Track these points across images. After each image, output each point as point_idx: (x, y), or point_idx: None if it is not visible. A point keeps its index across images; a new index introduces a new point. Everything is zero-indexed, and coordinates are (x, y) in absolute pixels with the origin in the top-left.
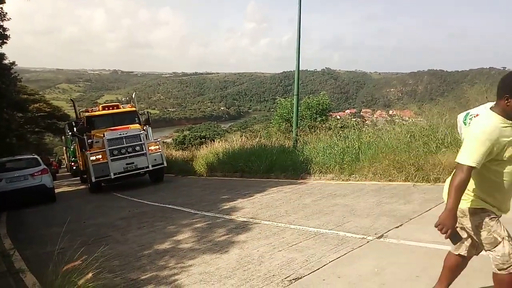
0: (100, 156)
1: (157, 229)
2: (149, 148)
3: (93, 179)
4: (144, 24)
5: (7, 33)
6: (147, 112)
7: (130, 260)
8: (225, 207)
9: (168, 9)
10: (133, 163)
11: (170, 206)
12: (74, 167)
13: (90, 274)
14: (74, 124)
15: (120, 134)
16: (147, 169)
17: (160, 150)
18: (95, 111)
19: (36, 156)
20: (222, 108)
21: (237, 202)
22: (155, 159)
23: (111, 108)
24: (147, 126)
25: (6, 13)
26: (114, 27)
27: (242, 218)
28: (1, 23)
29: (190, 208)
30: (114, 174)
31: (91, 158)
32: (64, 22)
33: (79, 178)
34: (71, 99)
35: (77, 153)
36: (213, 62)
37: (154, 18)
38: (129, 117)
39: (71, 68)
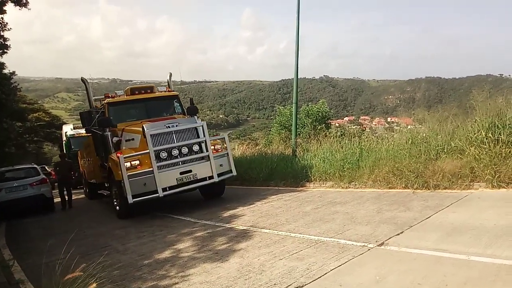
0: (137, 162)
1: (157, 238)
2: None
3: (130, 199)
4: (142, 32)
5: (8, 43)
6: (191, 98)
7: (130, 270)
8: (225, 215)
9: (165, 18)
10: (190, 171)
11: (169, 215)
12: (74, 177)
13: (94, 284)
14: (89, 115)
15: (168, 127)
16: (211, 180)
17: (227, 151)
18: (120, 96)
19: (35, 166)
20: (221, 116)
21: (237, 210)
22: (221, 165)
23: (143, 91)
24: (196, 117)
25: (7, 23)
26: (112, 36)
27: (243, 227)
28: (2, 33)
29: (190, 216)
30: (164, 190)
31: (126, 165)
32: (62, 31)
33: (83, 190)
34: (82, 79)
35: (79, 159)
36: (211, 70)
37: (151, 27)
38: (169, 105)
39: (70, 77)
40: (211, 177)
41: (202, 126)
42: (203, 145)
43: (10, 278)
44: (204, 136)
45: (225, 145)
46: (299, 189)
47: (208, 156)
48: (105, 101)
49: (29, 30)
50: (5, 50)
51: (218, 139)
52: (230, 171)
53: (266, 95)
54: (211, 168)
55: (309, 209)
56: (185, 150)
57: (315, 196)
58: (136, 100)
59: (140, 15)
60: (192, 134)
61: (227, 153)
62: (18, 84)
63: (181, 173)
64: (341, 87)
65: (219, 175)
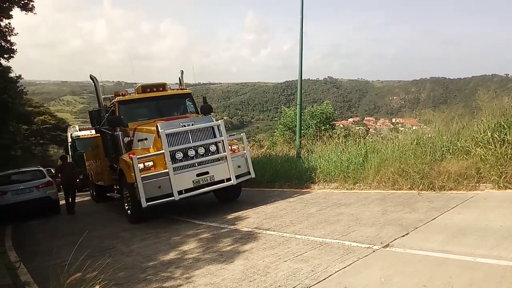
0: (151, 163)
1: (162, 240)
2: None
3: (144, 203)
4: (146, 36)
5: (14, 47)
6: (204, 97)
7: (135, 271)
8: (229, 217)
9: (168, 21)
10: (207, 173)
11: (173, 216)
12: (78, 179)
13: (97, 287)
14: (98, 114)
15: (184, 126)
16: (229, 182)
17: (245, 151)
18: (130, 94)
19: (41, 168)
20: (225, 117)
21: (241, 212)
22: (239, 166)
23: (154, 89)
24: (210, 116)
25: (14, 28)
26: (117, 39)
27: (247, 228)
28: (9, 38)
29: (194, 218)
30: (180, 193)
31: (139, 166)
32: (67, 34)
33: (89, 192)
34: (90, 77)
35: (86, 161)
36: (215, 72)
37: (155, 30)
38: (181, 103)
39: (76, 80)
40: (228, 179)
41: (219, 125)
42: (220, 145)
43: (16, 280)
44: (221, 135)
45: (242, 145)
46: (304, 190)
47: (226, 157)
48: (116, 100)
49: (35, 34)
50: (11, 55)
51: (236, 139)
52: (248, 172)
53: (270, 96)
54: (229, 169)
55: (314, 211)
56: (201, 150)
57: (320, 198)
58: (147, 98)
59: (144, 18)
60: (208, 133)
61: (245, 154)
62: (24, 87)
63: (197, 175)
64: (345, 88)
65: (237, 177)
